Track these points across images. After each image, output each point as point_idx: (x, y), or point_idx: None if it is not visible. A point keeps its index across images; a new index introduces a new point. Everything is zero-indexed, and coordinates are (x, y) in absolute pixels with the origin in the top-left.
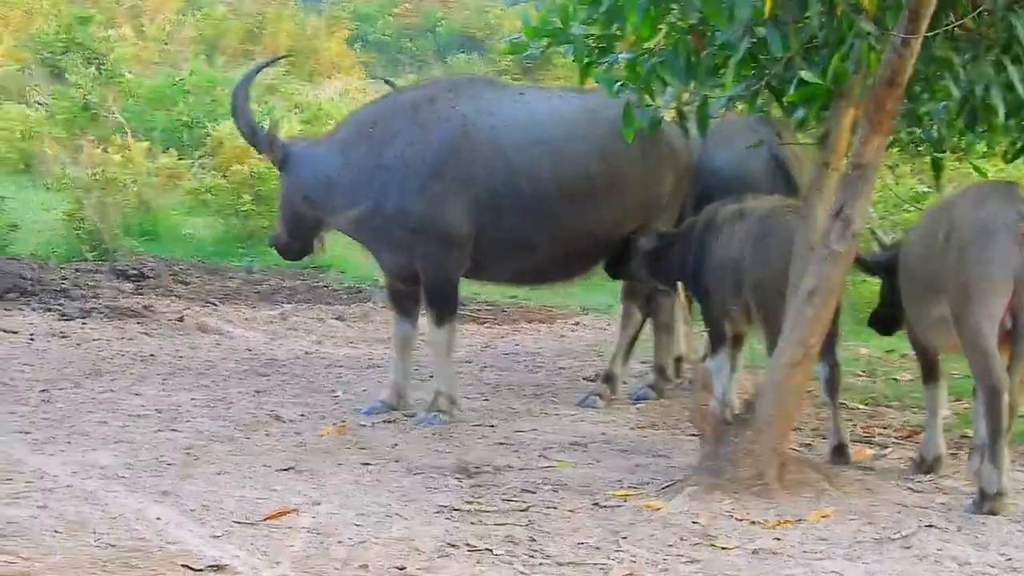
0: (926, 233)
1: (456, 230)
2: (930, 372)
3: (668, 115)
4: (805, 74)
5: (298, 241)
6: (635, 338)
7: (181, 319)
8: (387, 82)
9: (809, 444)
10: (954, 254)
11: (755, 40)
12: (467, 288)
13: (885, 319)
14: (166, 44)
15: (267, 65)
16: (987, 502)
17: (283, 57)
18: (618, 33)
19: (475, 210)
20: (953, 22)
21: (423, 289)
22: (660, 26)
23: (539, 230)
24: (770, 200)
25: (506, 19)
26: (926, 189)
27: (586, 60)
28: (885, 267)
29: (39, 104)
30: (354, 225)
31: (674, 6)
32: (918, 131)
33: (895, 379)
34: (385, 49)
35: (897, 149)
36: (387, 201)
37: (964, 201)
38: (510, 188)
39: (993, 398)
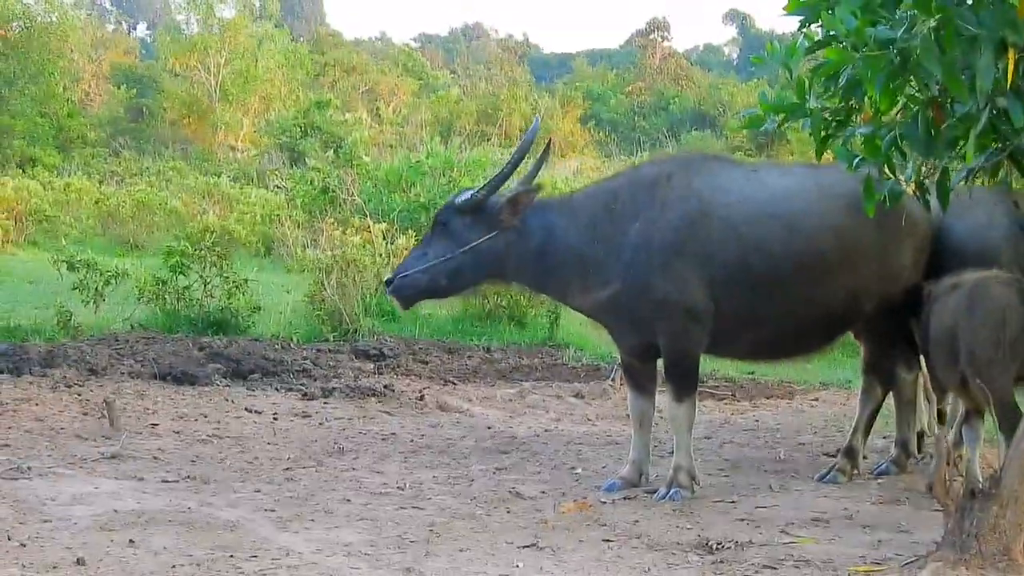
0: None
1: (698, 306)
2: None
3: (908, 188)
4: None
5: (442, 291)
6: (876, 413)
7: (421, 398)
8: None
9: None
10: None
11: (996, 111)
12: (705, 364)
13: None
14: (402, 127)
15: (543, 160)
16: None
17: (548, 144)
18: (855, 107)
19: (713, 286)
20: None
21: (664, 365)
22: (898, 98)
23: (773, 305)
24: (984, 272)
25: (738, 95)
26: None
27: (823, 134)
28: None
29: (279, 188)
30: (598, 303)
31: (912, 78)
32: None
33: None
34: (618, 127)
35: None
36: (634, 279)
37: None
38: (745, 264)
39: None
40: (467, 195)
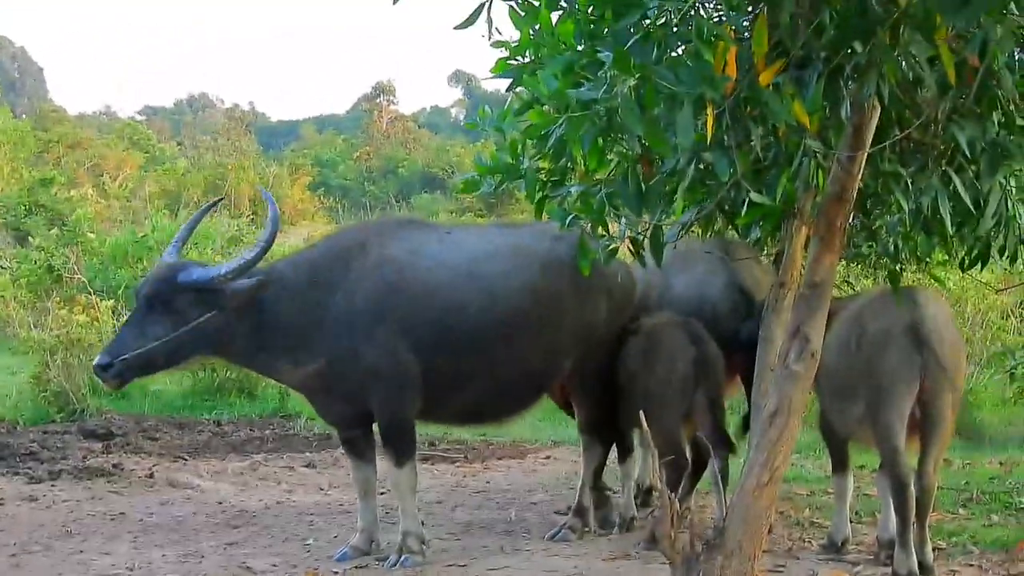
0: (841, 338)
1: (406, 371)
2: (840, 462)
3: (623, 245)
4: (754, 196)
5: (159, 368)
6: (600, 469)
7: (151, 475)
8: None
9: (783, 566)
10: (864, 359)
11: (703, 165)
12: (436, 429)
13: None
14: (129, 200)
15: (199, 218)
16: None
17: (215, 203)
18: (569, 166)
19: (418, 350)
20: (898, 134)
21: (380, 432)
22: (609, 156)
23: (477, 366)
24: (660, 316)
25: (467, 156)
26: None
27: (539, 195)
28: None
29: (2, 268)
30: (307, 376)
31: (621, 136)
32: (876, 246)
33: (867, 495)
34: (348, 193)
35: (858, 265)
36: (341, 351)
37: (870, 309)
38: (446, 327)
39: (900, 490)
40: (198, 273)
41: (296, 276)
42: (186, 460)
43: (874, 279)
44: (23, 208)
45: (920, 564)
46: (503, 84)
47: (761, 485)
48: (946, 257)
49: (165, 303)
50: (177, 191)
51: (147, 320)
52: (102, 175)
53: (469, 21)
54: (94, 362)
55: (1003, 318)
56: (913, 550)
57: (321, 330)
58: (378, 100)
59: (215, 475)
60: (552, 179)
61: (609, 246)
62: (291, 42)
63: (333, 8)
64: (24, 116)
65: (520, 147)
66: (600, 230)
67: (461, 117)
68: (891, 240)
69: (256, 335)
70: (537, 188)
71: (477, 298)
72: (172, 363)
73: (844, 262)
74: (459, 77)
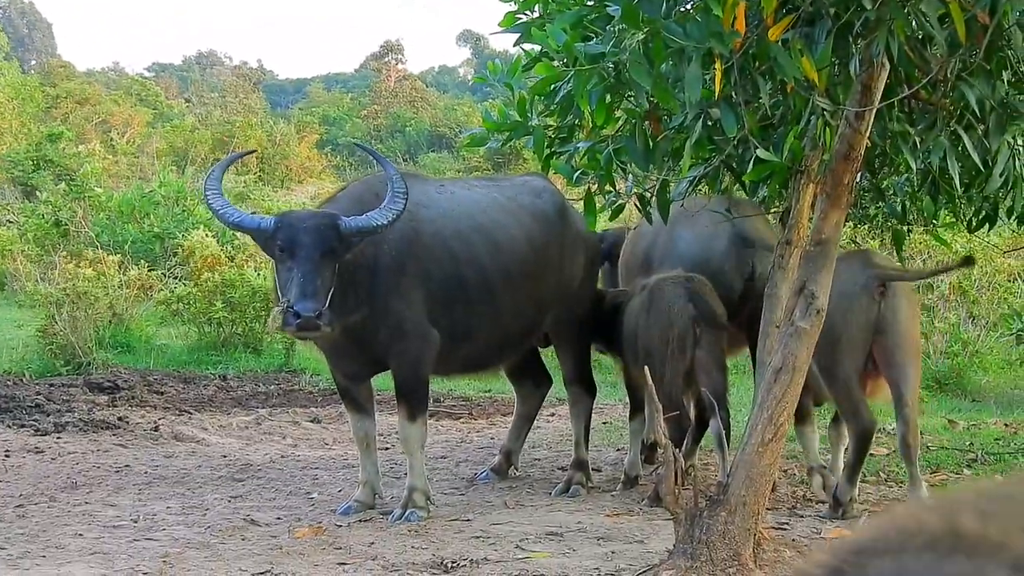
0: None
1: (426, 323)
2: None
3: (631, 202)
4: (761, 152)
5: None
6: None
7: (156, 429)
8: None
9: (785, 523)
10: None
11: (710, 122)
12: (440, 384)
13: None
14: (137, 157)
15: (234, 160)
16: (841, 507)
17: (249, 153)
18: (577, 123)
19: (436, 300)
20: (907, 92)
21: (396, 386)
22: (617, 113)
23: (484, 316)
24: (663, 274)
25: (474, 115)
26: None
27: (547, 152)
28: None
29: (10, 222)
30: (347, 328)
31: (629, 92)
32: (884, 206)
33: (871, 454)
34: (355, 152)
35: (866, 226)
36: (377, 304)
37: None
38: (459, 277)
39: (863, 438)
40: (361, 222)
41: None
42: (191, 414)
43: (881, 240)
44: (31, 163)
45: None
46: (511, 43)
47: (765, 442)
48: (953, 219)
49: (332, 252)
50: (184, 148)
51: (321, 267)
52: (110, 131)
53: None
54: (300, 309)
55: (1011, 281)
56: (856, 484)
57: (365, 283)
58: (386, 59)
59: (220, 429)
60: (560, 136)
61: (616, 202)
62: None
63: None
64: (32, 72)
65: (528, 103)
66: (607, 186)
67: (469, 77)
68: (898, 200)
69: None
70: (545, 145)
71: (485, 248)
72: None
73: (851, 223)
74: (467, 37)
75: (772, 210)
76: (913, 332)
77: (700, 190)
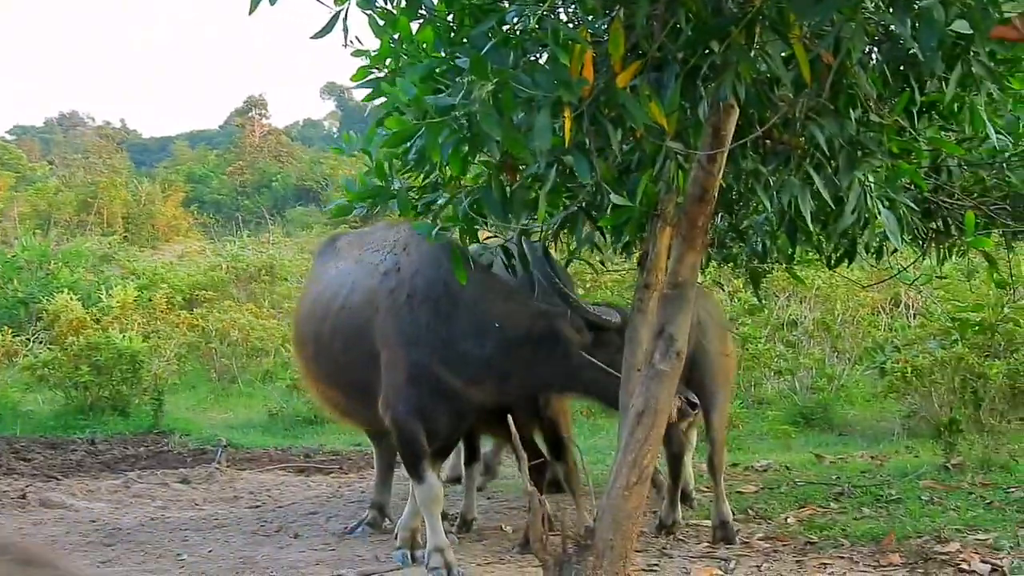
0: None
1: None
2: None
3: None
4: (615, 198)
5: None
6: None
7: (23, 496)
8: None
9: (656, 564)
10: None
11: (565, 170)
12: (311, 439)
13: None
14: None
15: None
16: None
17: None
18: (439, 181)
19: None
20: (757, 134)
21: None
22: (475, 164)
23: None
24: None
25: (340, 168)
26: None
27: (413, 213)
28: None
29: None
30: None
31: (483, 144)
32: (745, 246)
33: (739, 492)
34: (222, 208)
35: (730, 266)
36: None
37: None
38: None
39: (676, 459)
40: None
41: None
42: (59, 479)
43: (744, 279)
44: None
45: (721, 521)
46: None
47: (630, 485)
48: (816, 256)
49: None
50: (48, 210)
51: None
52: None
53: (325, 30)
54: None
55: (874, 314)
56: (679, 506)
57: None
58: (250, 114)
59: (88, 494)
60: (424, 194)
61: (482, 254)
62: (162, 58)
63: (205, 24)
64: None
65: (388, 167)
66: (470, 240)
67: (335, 129)
68: (758, 240)
69: None
70: (410, 207)
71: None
72: None
73: (716, 263)
74: (331, 89)
75: (632, 254)
76: (724, 364)
77: (563, 239)
